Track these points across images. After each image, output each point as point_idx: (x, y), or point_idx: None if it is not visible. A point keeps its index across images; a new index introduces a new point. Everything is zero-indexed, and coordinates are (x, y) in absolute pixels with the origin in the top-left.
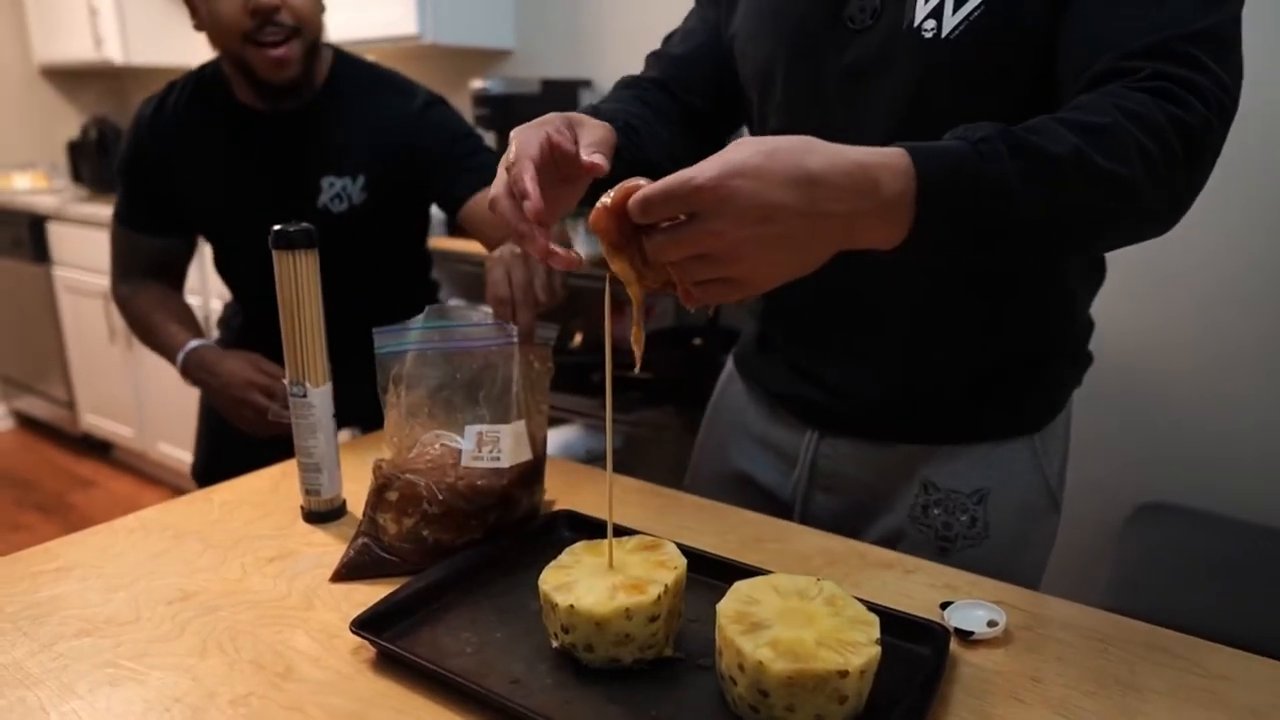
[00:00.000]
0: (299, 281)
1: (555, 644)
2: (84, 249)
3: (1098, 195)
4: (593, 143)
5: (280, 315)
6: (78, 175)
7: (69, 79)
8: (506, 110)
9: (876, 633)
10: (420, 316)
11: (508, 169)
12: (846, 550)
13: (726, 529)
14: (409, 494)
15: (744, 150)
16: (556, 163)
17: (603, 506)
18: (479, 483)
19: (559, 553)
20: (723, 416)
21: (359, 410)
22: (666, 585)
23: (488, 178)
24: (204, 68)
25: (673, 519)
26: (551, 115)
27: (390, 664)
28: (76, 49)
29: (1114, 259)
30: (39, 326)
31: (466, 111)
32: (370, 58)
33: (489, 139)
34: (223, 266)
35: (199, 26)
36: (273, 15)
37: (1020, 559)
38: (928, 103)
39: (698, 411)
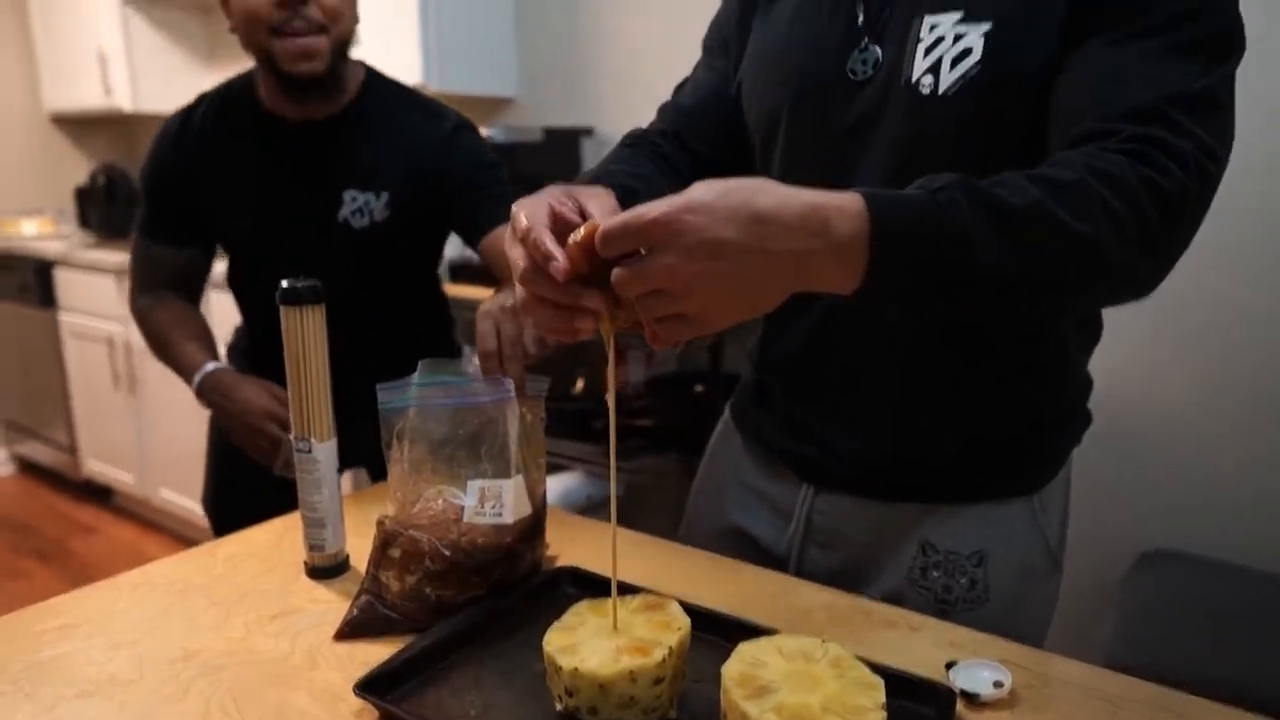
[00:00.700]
0: (305, 337)
1: (559, 706)
2: (90, 294)
3: (1059, 250)
4: (599, 213)
5: (286, 370)
6: (85, 221)
7: (78, 126)
8: (509, 159)
9: (882, 697)
10: (418, 371)
11: (522, 241)
12: (850, 607)
13: (729, 583)
14: (412, 551)
15: (699, 188)
16: (561, 232)
17: (605, 560)
18: (481, 539)
19: (562, 611)
20: (718, 468)
21: (368, 450)
22: (671, 647)
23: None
24: (233, 81)
25: (675, 573)
26: (550, 187)
27: None
28: (86, 97)
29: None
30: (43, 371)
31: None
32: None
33: None
34: (237, 280)
35: (233, 29)
36: (300, 8)
37: (1021, 621)
38: (923, 156)
39: (699, 458)
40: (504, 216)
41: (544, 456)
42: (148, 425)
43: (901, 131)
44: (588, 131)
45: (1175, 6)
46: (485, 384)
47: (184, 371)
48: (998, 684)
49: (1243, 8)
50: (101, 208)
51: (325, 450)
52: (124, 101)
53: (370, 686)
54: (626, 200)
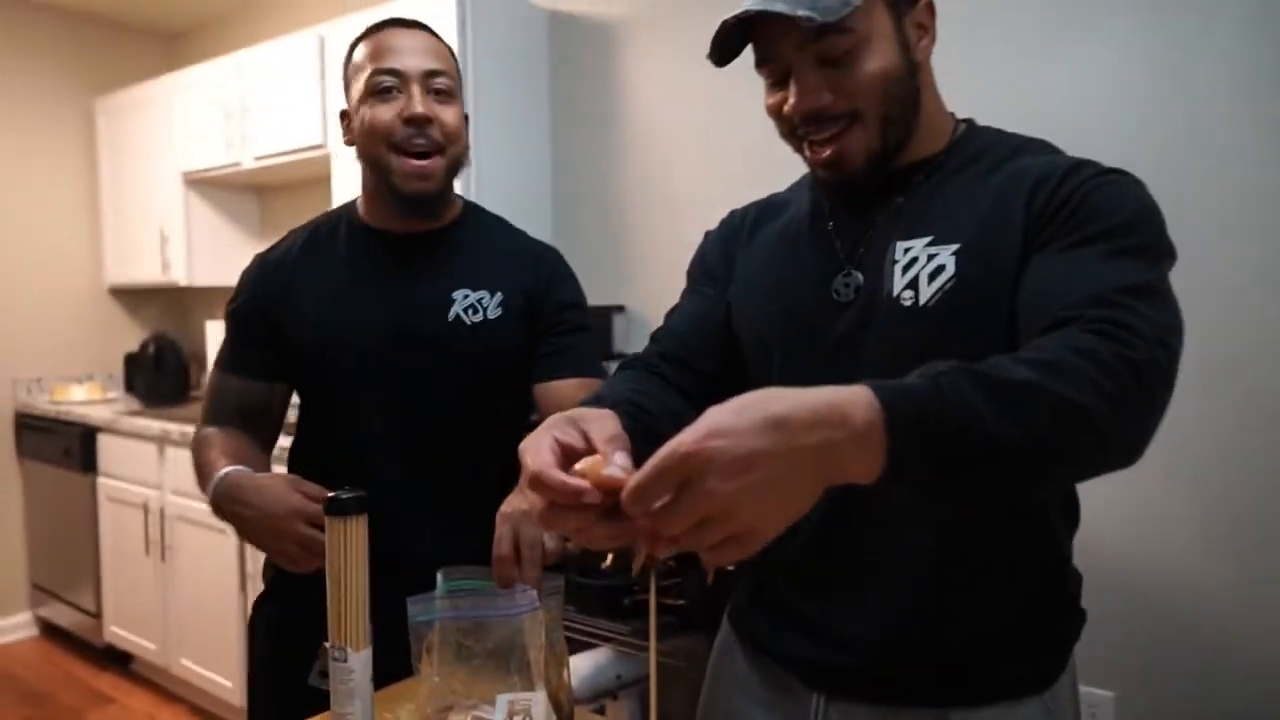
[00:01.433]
0: (348, 548)
1: None
2: (128, 460)
3: (1059, 416)
4: (607, 439)
5: (327, 580)
6: (131, 386)
7: (133, 296)
8: None
9: None
10: (439, 581)
11: (532, 489)
12: None
13: None
14: None
15: (713, 413)
16: (570, 461)
17: None
18: None
19: None
20: (722, 691)
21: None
22: None
23: (576, 364)
24: (322, 214)
25: None
26: (552, 418)
27: None
28: (145, 272)
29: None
30: (76, 535)
31: None
32: None
33: None
34: (319, 422)
35: (350, 141)
36: (425, 127)
37: None
38: (909, 363)
39: None
40: (570, 369)
41: (567, 663)
42: (176, 593)
43: (887, 343)
44: (619, 309)
45: (1114, 219)
46: (509, 595)
47: (205, 485)
48: None
49: None
50: (149, 375)
51: (360, 660)
52: (180, 276)
53: None
54: (633, 415)
